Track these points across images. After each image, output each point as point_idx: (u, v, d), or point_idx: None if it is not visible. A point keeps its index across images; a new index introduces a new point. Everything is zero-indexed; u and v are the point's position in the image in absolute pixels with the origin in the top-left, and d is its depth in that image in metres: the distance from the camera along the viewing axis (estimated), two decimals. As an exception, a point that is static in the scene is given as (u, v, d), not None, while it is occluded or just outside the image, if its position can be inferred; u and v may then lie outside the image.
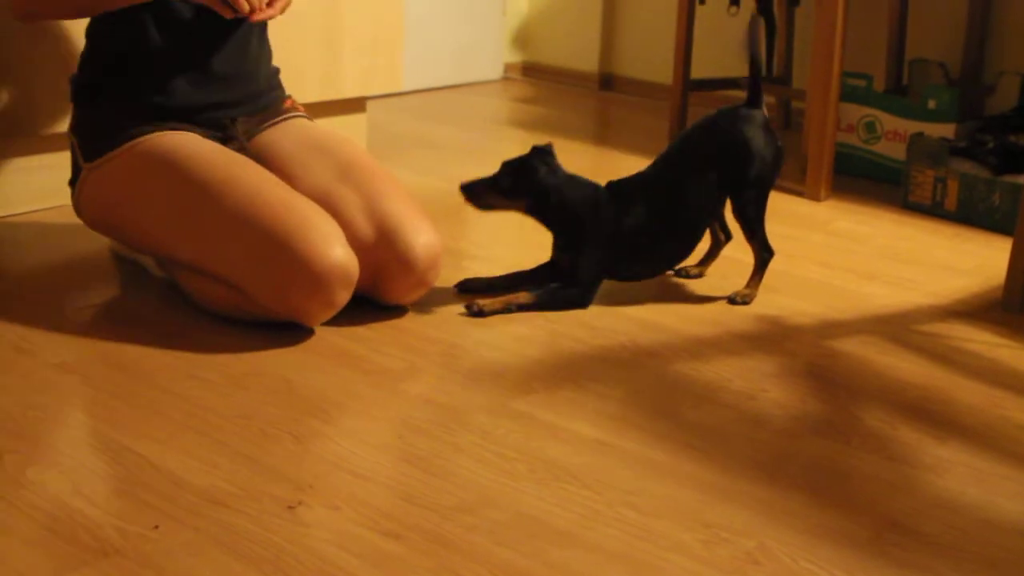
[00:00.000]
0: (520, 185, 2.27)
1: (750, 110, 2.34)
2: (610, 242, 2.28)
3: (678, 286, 2.45)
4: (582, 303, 2.30)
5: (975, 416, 1.92)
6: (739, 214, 2.34)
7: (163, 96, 2.25)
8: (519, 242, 2.72)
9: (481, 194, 2.29)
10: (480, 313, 2.23)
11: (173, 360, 1.99)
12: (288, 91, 2.48)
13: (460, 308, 2.26)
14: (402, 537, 1.49)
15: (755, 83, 2.38)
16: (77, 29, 2.58)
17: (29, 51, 2.58)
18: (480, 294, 2.30)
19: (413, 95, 4.32)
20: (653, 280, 2.46)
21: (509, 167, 2.28)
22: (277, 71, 2.45)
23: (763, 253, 2.37)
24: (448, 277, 2.34)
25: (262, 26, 2.39)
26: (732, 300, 2.36)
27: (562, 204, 2.27)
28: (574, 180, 2.30)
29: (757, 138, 2.31)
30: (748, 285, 2.38)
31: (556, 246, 2.33)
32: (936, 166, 3.03)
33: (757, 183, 2.32)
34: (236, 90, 2.33)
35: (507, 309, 2.25)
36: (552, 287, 2.30)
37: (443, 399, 1.90)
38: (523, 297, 2.27)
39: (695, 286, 2.45)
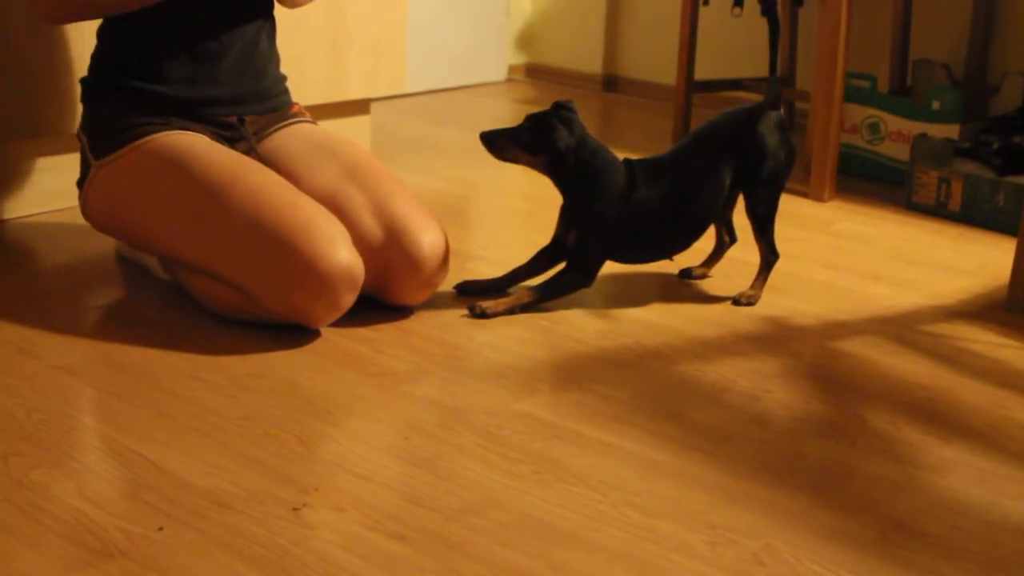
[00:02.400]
0: (540, 141, 2.24)
1: (766, 109, 2.35)
2: (618, 220, 2.27)
3: (681, 287, 2.45)
4: (586, 283, 2.30)
5: (979, 417, 1.92)
6: (751, 212, 2.34)
7: (172, 88, 2.26)
8: (524, 243, 2.71)
9: (502, 146, 2.26)
10: (483, 315, 2.23)
11: (177, 362, 1.99)
12: (292, 92, 2.48)
13: (465, 310, 2.26)
14: (406, 538, 1.49)
15: (774, 84, 2.38)
16: (88, 31, 2.58)
17: (38, 53, 2.58)
18: (479, 296, 2.30)
19: (417, 97, 4.32)
20: (657, 281, 2.46)
21: (531, 121, 2.26)
22: (285, 78, 2.46)
23: (769, 255, 2.37)
24: (453, 279, 2.34)
25: (272, 27, 2.40)
26: (736, 301, 2.36)
27: (581, 167, 2.25)
28: (596, 145, 2.28)
29: (772, 137, 2.32)
30: (753, 286, 2.38)
31: (563, 219, 2.31)
32: (940, 167, 3.02)
33: (770, 182, 2.32)
34: (245, 85, 2.34)
35: (511, 311, 2.25)
36: (553, 277, 2.30)
37: (448, 400, 1.90)
38: (525, 297, 2.27)
39: (699, 287, 2.45)
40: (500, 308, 2.25)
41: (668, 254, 2.40)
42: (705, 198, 2.31)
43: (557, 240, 2.32)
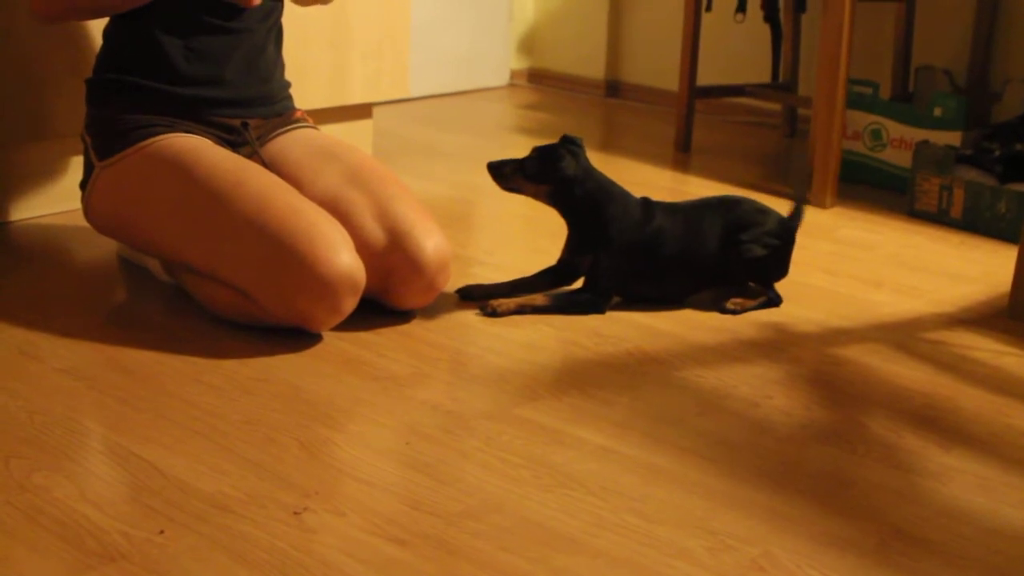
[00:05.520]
0: (545, 171, 2.26)
1: (770, 215, 2.39)
2: (636, 246, 2.28)
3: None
4: (598, 309, 2.30)
5: (980, 424, 1.92)
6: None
7: (177, 87, 2.26)
8: (526, 248, 2.72)
9: (508, 175, 2.29)
10: (494, 313, 2.24)
11: (179, 365, 1.99)
12: (295, 96, 2.49)
13: (467, 314, 2.26)
14: (407, 543, 1.49)
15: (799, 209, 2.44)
16: (92, 33, 2.59)
17: (42, 55, 2.59)
18: (481, 300, 2.31)
19: (419, 101, 4.32)
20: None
21: (537, 151, 2.28)
22: (289, 84, 2.47)
23: (770, 291, 2.39)
24: (456, 283, 2.34)
25: (279, 33, 2.41)
26: (723, 309, 2.35)
27: (587, 197, 2.27)
28: (603, 179, 2.30)
29: (764, 240, 2.34)
30: (744, 298, 2.37)
31: (570, 246, 2.33)
32: (942, 174, 3.03)
33: (758, 277, 2.39)
34: (250, 89, 2.34)
35: (521, 310, 2.26)
36: (567, 291, 2.31)
37: (449, 405, 1.90)
38: (539, 299, 2.29)
39: (700, 294, 2.45)
40: (511, 307, 2.27)
41: (678, 291, 2.38)
42: (710, 252, 2.32)
43: (563, 263, 2.33)
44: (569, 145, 2.28)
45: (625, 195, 2.32)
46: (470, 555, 1.47)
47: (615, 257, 2.29)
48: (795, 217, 2.41)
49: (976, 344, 2.25)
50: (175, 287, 2.32)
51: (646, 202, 2.33)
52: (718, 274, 2.36)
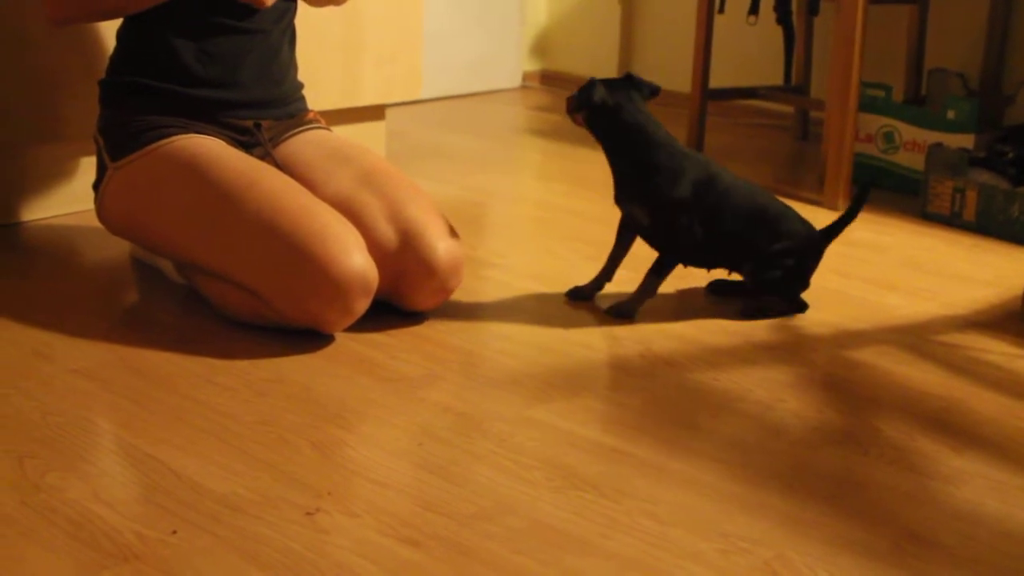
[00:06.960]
0: (580, 97, 2.25)
1: (811, 229, 2.36)
2: (691, 207, 2.24)
3: (695, 295, 2.45)
4: (676, 259, 2.30)
5: (993, 427, 1.92)
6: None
7: (191, 89, 2.27)
8: (539, 250, 2.72)
9: (569, 108, 2.28)
10: (620, 314, 2.28)
11: (192, 366, 2.00)
12: (308, 98, 2.49)
13: (479, 316, 2.26)
14: (420, 544, 1.49)
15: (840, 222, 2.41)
16: (105, 35, 2.60)
17: (55, 56, 2.60)
18: (588, 300, 2.31)
19: (432, 103, 4.33)
20: (670, 289, 2.45)
21: (587, 81, 2.27)
22: (302, 85, 2.47)
23: (791, 304, 2.37)
24: (467, 285, 2.34)
25: (292, 34, 2.41)
26: (747, 313, 2.34)
27: (617, 132, 2.24)
28: (647, 122, 2.26)
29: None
30: (763, 304, 2.35)
31: (621, 193, 2.29)
32: (955, 177, 3.02)
33: (775, 290, 2.35)
34: (264, 90, 2.34)
35: (640, 301, 2.30)
36: (653, 264, 2.30)
37: (462, 407, 1.90)
38: (648, 286, 2.30)
39: (712, 296, 2.45)
40: (635, 304, 2.29)
41: (728, 261, 2.36)
42: (742, 232, 2.30)
43: (623, 216, 2.32)
44: (621, 79, 2.27)
45: (672, 144, 2.26)
46: (483, 556, 1.47)
47: (676, 213, 2.24)
48: (831, 232, 2.38)
49: (989, 347, 2.25)
50: (188, 288, 2.32)
51: (703, 159, 2.29)
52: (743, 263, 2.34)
